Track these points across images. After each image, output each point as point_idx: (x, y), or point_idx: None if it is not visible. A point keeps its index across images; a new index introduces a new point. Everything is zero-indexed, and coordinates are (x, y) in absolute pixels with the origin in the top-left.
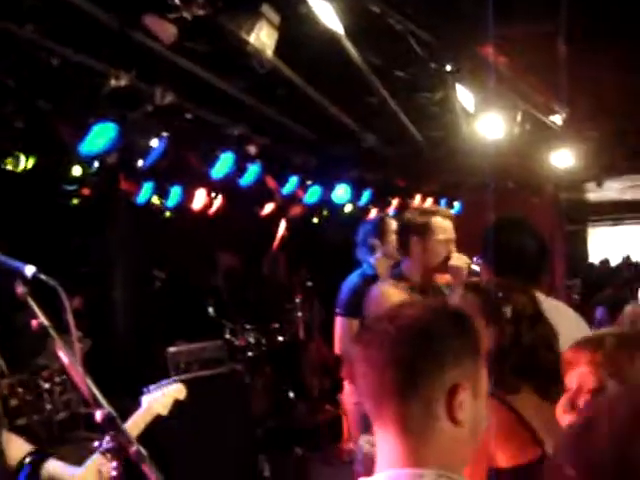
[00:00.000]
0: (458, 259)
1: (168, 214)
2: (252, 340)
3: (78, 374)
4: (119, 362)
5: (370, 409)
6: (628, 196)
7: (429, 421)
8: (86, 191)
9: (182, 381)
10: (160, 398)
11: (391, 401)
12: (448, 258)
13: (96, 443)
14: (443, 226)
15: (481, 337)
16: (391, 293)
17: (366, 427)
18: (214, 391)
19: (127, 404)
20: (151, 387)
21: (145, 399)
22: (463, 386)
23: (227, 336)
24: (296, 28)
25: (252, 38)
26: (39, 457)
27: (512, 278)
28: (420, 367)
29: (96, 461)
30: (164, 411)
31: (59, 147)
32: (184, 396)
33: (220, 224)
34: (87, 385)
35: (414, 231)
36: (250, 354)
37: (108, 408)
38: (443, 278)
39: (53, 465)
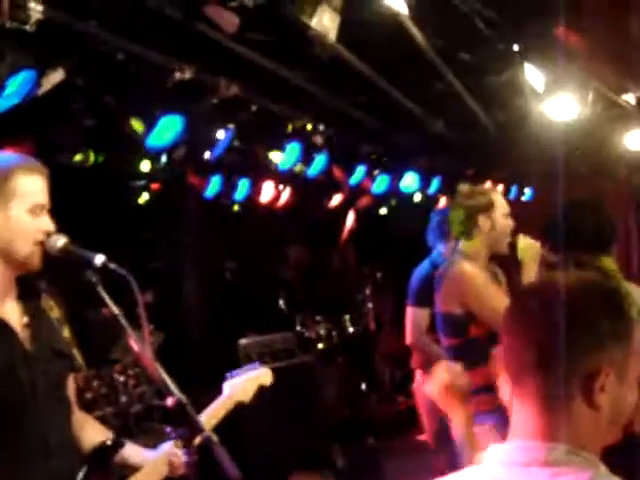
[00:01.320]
0: (527, 243)
1: (236, 207)
2: (323, 332)
3: (150, 363)
4: (191, 355)
5: (510, 381)
6: None
7: (566, 400)
8: (155, 186)
9: None
10: (242, 384)
11: (531, 376)
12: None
13: (168, 429)
14: (502, 201)
15: (632, 322)
16: (473, 271)
17: (439, 417)
18: (286, 383)
19: (200, 397)
20: (234, 372)
21: (227, 385)
22: (605, 371)
23: (298, 328)
24: (359, 11)
25: (314, 23)
26: (114, 443)
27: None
28: (560, 348)
29: (167, 450)
30: (246, 398)
31: (127, 142)
32: (270, 381)
33: (289, 217)
34: (158, 373)
35: (480, 210)
36: (321, 346)
37: (179, 395)
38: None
39: (129, 449)
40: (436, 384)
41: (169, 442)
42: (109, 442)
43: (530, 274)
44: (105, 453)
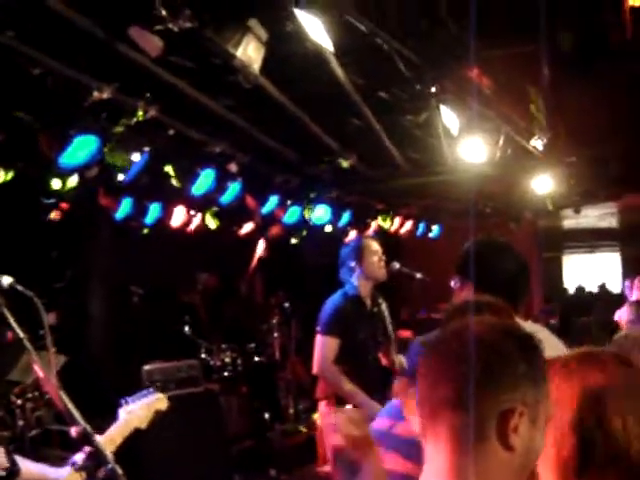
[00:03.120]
0: None
1: (146, 231)
2: (228, 360)
3: (53, 388)
4: (94, 379)
5: (424, 420)
6: (605, 224)
7: (480, 440)
8: (65, 205)
9: None
10: (139, 411)
11: (446, 413)
12: None
13: (71, 460)
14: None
15: (545, 367)
16: None
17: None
18: (189, 410)
19: (101, 422)
20: (129, 398)
21: (122, 411)
22: (520, 411)
23: (203, 355)
24: (283, 45)
25: (239, 52)
26: (10, 473)
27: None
28: (478, 385)
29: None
30: (143, 425)
31: (39, 160)
32: (166, 407)
33: (199, 242)
34: (62, 400)
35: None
36: (226, 374)
37: (83, 424)
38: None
39: (24, 467)
40: (343, 437)
41: (67, 468)
42: (2, 473)
43: None
44: None
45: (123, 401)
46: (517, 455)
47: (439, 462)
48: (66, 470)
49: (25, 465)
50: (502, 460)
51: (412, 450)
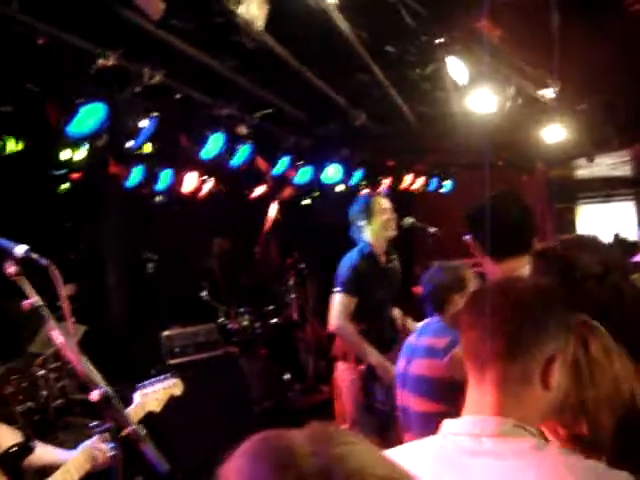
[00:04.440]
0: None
1: (159, 198)
2: (246, 323)
3: (73, 354)
4: (114, 347)
5: (472, 368)
6: (618, 172)
7: (525, 385)
8: (75, 175)
9: (177, 365)
10: (154, 394)
11: (494, 365)
12: None
13: (93, 424)
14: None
15: (571, 317)
16: None
17: (360, 406)
18: (210, 374)
19: (123, 390)
20: (146, 383)
21: (137, 395)
22: (557, 357)
23: (221, 319)
24: (286, 1)
25: (241, 9)
26: (22, 449)
27: (505, 253)
28: (526, 339)
29: (91, 445)
30: (157, 408)
31: (47, 130)
32: (180, 391)
33: (212, 207)
34: (83, 365)
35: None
36: (244, 337)
37: (105, 387)
38: None
39: (43, 451)
40: None
41: (92, 438)
42: (15, 449)
43: None
44: (12, 459)
45: (140, 385)
46: (553, 393)
47: (481, 402)
48: (79, 448)
49: (40, 447)
50: (541, 398)
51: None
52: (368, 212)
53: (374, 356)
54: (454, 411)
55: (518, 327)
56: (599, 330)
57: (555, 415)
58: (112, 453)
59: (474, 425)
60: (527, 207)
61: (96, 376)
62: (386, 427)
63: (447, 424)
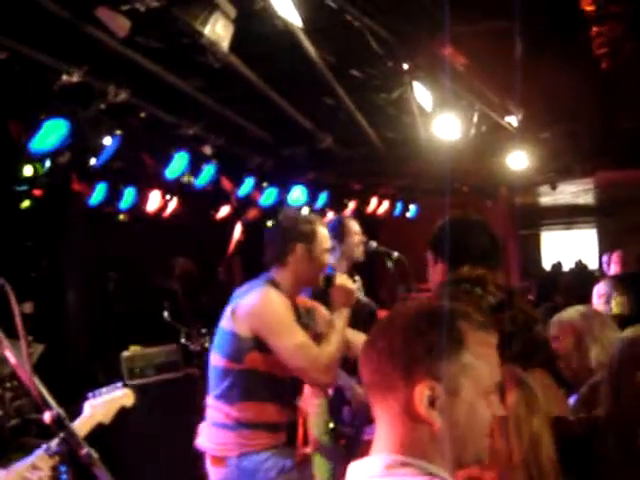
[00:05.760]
0: (346, 280)
1: (122, 216)
2: (208, 344)
3: (25, 374)
4: (73, 367)
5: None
6: (581, 200)
7: (405, 414)
8: (37, 192)
9: (136, 386)
10: (103, 405)
11: (374, 395)
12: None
13: (43, 446)
14: (326, 235)
15: (464, 334)
16: (278, 302)
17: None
18: (169, 396)
19: (81, 410)
20: (96, 392)
21: (87, 405)
22: (427, 385)
23: (182, 340)
24: (252, 23)
25: (207, 30)
26: None
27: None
28: (398, 361)
29: (24, 466)
30: (106, 420)
31: (9, 146)
32: (132, 403)
33: (175, 227)
34: (35, 385)
35: (299, 238)
36: (206, 359)
37: (57, 409)
38: (301, 301)
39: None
40: None
41: (27, 459)
42: None
43: (340, 319)
44: None
45: (90, 395)
46: (438, 426)
47: (378, 438)
48: (35, 455)
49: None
50: (423, 432)
51: None
52: (339, 233)
53: (342, 378)
54: None
55: (389, 349)
56: (525, 384)
57: (479, 462)
58: (64, 477)
59: (365, 467)
60: (493, 234)
61: (48, 397)
62: (351, 451)
63: (351, 467)
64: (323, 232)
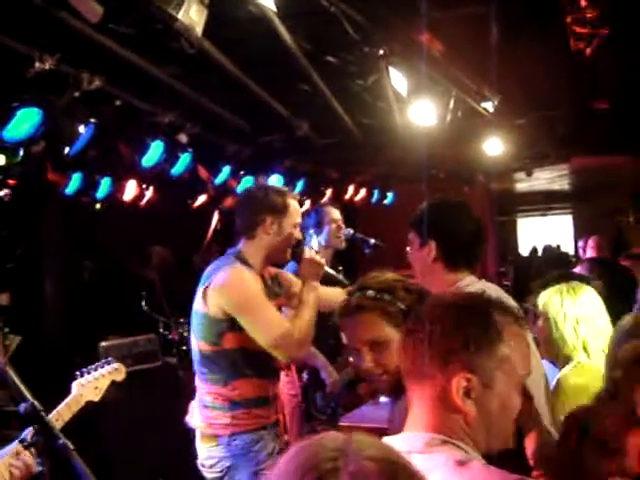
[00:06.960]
0: (314, 253)
1: (98, 206)
2: (186, 334)
3: (1, 368)
4: (50, 357)
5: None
6: (557, 186)
7: (440, 400)
8: (12, 181)
9: None
10: (92, 383)
11: (416, 380)
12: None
13: (19, 437)
14: (297, 210)
15: (501, 327)
16: (248, 279)
17: (301, 420)
18: (148, 385)
19: (59, 401)
20: (84, 370)
21: (75, 385)
22: (464, 376)
23: (160, 330)
24: (226, 8)
25: (180, 14)
26: None
27: (447, 260)
28: (433, 353)
29: (8, 454)
30: (96, 397)
31: None
32: (122, 377)
33: (152, 216)
34: (11, 378)
35: (270, 210)
36: (184, 348)
37: (32, 400)
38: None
39: None
40: None
41: (10, 446)
42: None
43: (310, 292)
44: None
45: (77, 373)
46: (473, 414)
47: (415, 418)
48: (9, 447)
49: None
50: (459, 418)
51: None
52: (320, 220)
53: (319, 358)
54: None
55: (419, 346)
56: None
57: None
58: (40, 468)
59: (404, 442)
60: (475, 217)
61: (24, 389)
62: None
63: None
64: (294, 205)
